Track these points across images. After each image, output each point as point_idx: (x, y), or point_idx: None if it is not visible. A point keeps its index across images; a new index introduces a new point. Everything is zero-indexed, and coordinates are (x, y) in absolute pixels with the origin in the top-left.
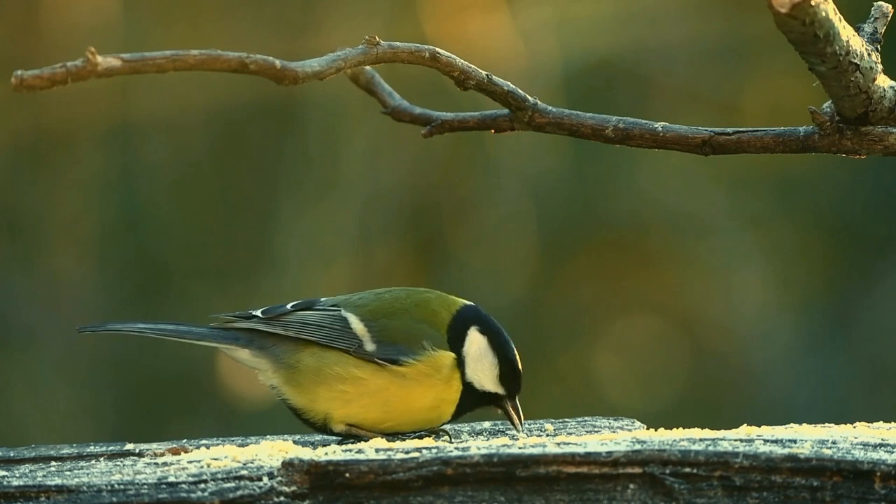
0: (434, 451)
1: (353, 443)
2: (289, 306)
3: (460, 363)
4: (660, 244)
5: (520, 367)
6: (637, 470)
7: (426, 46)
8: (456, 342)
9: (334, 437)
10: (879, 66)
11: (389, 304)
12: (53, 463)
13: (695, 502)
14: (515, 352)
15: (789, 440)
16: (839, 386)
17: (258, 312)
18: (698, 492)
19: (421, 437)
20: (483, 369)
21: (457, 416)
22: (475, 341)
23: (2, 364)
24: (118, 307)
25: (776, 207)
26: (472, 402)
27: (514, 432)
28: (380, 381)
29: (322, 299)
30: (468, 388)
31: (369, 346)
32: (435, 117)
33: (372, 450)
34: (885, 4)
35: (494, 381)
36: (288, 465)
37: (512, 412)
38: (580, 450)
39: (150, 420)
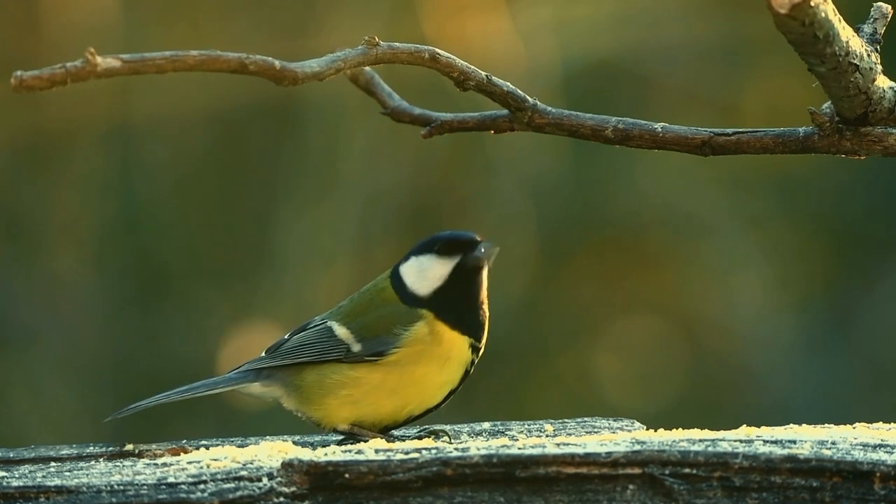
0: (434, 451)
1: (352, 443)
2: (286, 336)
3: (425, 306)
4: (660, 244)
5: (445, 232)
6: (637, 470)
7: (426, 47)
8: (409, 298)
9: (335, 438)
10: (879, 67)
11: (359, 302)
12: (53, 463)
13: (694, 503)
14: (437, 234)
15: (789, 441)
16: (839, 386)
17: (263, 353)
18: (698, 492)
19: (421, 438)
20: (428, 274)
21: (478, 335)
22: (404, 273)
23: (2, 364)
24: (118, 307)
25: (776, 208)
26: (465, 303)
27: (514, 433)
28: (378, 375)
29: (315, 318)
30: (445, 301)
31: (356, 348)
32: (434, 118)
33: (371, 450)
34: (884, 5)
35: (443, 264)
36: (287, 465)
37: (481, 259)
38: (580, 450)
39: (150, 420)
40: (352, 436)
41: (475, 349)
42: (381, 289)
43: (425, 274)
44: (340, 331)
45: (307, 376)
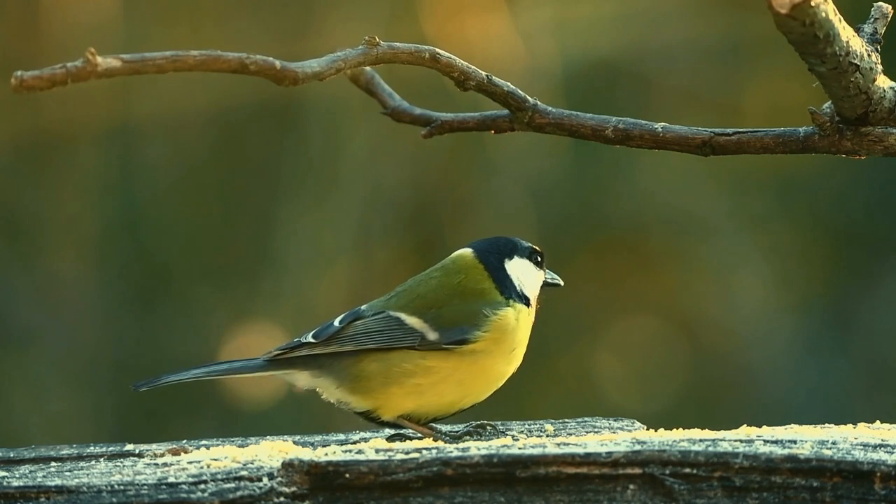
0: (434, 451)
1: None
2: (336, 322)
3: (513, 296)
4: (660, 245)
5: (524, 242)
6: (637, 470)
7: (426, 47)
8: (513, 295)
9: (335, 438)
10: (879, 67)
11: (434, 294)
12: (53, 463)
13: (695, 503)
14: (519, 241)
15: (789, 441)
16: (839, 386)
17: (309, 338)
18: (698, 492)
19: (471, 434)
20: (530, 279)
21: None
22: (511, 272)
23: (2, 364)
24: (118, 307)
25: (776, 208)
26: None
27: (514, 433)
28: (450, 364)
29: (362, 307)
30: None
31: (432, 336)
32: (435, 118)
33: (372, 450)
34: (884, 5)
35: (538, 274)
36: (288, 465)
37: (547, 277)
38: (580, 450)
39: (150, 420)
40: (398, 427)
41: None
42: (471, 288)
43: (528, 278)
44: (412, 320)
45: (368, 365)
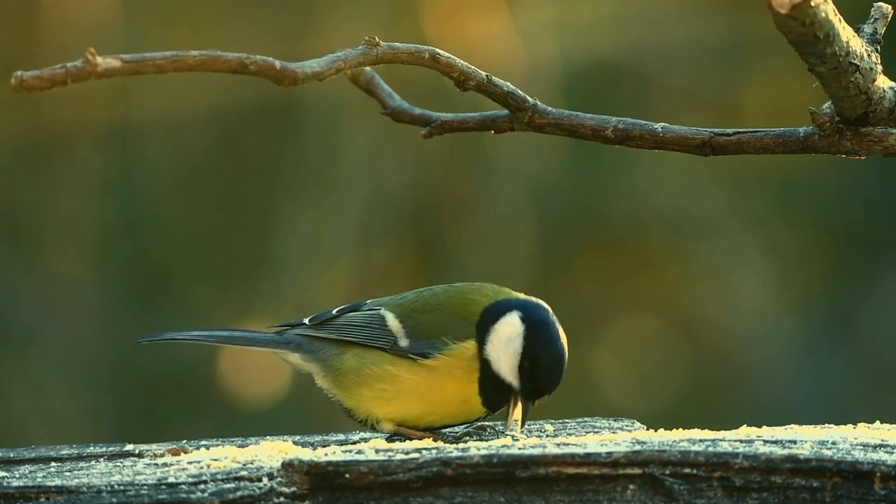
0: (434, 451)
1: (356, 443)
2: (334, 311)
3: (483, 344)
4: (660, 245)
5: (548, 367)
6: (637, 471)
7: (426, 47)
8: (485, 325)
9: (335, 438)
10: (879, 67)
11: (426, 301)
12: (53, 464)
13: (695, 503)
14: (556, 353)
15: (789, 441)
16: (839, 386)
17: (306, 320)
18: (698, 492)
19: (470, 435)
20: (504, 354)
21: (493, 406)
22: (509, 324)
23: (1, 364)
24: (118, 307)
25: (776, 208)
26: (497, 390)
27: (514, 433)
28: (414, 377)
29: (368, 301)
30: (487, 367)
31: (403, 342)
32: (435, 118)
33: (372, 450)
34: (884, 5)
35: (511, 369)
36: (288, 465)
37: (511, 407)
38: (580, 450)
39: (150, 421)
40: (397, 436)
41: (484, 414)
42: (468, 299)
43: (504, 350)
44: (393, 322)
45: (348, 360)
